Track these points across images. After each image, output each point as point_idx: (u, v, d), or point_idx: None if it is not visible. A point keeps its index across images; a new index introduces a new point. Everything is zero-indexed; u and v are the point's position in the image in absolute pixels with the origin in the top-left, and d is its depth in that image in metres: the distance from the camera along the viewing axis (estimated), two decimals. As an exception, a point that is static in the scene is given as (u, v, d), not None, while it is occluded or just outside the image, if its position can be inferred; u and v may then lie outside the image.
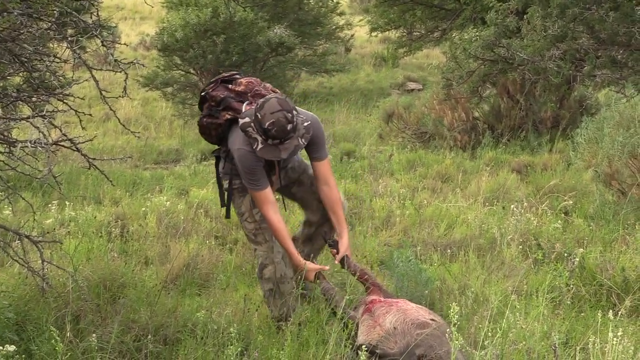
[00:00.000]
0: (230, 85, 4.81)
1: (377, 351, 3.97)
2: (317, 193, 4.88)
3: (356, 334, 4.28)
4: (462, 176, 9.03)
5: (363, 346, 3.79)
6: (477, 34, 10.61)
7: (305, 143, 4.45)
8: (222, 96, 4.71)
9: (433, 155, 10.57)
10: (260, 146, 4.36)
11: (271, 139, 4.32)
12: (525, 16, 10.43)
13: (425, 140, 11.61)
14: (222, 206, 4.95)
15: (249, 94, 4.72)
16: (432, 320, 4.14)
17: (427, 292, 5.13)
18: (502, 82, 11.37)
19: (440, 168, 9.47)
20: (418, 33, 17.89)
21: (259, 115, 4.32)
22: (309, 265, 4.67)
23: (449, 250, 6.30)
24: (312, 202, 5.01)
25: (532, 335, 4.34)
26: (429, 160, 10.14)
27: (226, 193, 4.83)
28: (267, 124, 4.27)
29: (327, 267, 4.81)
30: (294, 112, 4.40)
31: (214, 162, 5.17)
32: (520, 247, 6.22)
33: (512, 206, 6.91)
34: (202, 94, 4.88)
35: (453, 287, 5.37)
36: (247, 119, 4.44)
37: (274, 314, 4.75)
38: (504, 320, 4.35)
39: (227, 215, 4.96)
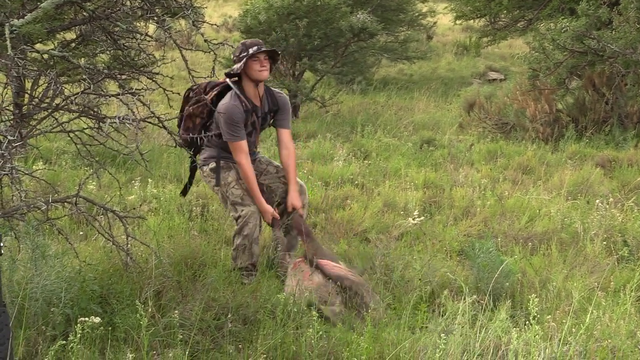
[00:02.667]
0: None
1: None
2: (282, 177, 5.74)
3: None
4: (545, 169, 8.87)
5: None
6: (567, 24, 10.37)
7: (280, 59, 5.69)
8: (207, 82, 5.62)
9: (514, 146, 10.41)
10: (245, 59, 5.33)
11: (251, 47, 5.33)
12: (617, 7, 10.17)
13: (507, 131, 11.43)
14: (185, 187, 5.86)
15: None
16: (352, 274, 5.04)
17: (507, 284, 5.05)
18: (587, 74, 11.12)
19: (521, 160, 9.32)
20: (502, 22, 17.55)
21: (238, 46, 5.42)
22: (268, 207, 5.50)
23: (530, 243, 6.19)
24: (278, 187, 5.78)
25: (617, 334, 4.23)
26: (510, 151, 9.99)
27: (214, 173, 5.61)
28: (245, 41, 5.43)
29: (277, 217, 5.59)
30: None
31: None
32: (604, 243, 6.08)
33: (596, 201, 6.76)
34: (186, 93, 5.65)
35: (534, 281, 5.28)
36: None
37: (240, 265, 5.41)
38: (588, 316, 4.26)
39: (184, 193, 5.90)
